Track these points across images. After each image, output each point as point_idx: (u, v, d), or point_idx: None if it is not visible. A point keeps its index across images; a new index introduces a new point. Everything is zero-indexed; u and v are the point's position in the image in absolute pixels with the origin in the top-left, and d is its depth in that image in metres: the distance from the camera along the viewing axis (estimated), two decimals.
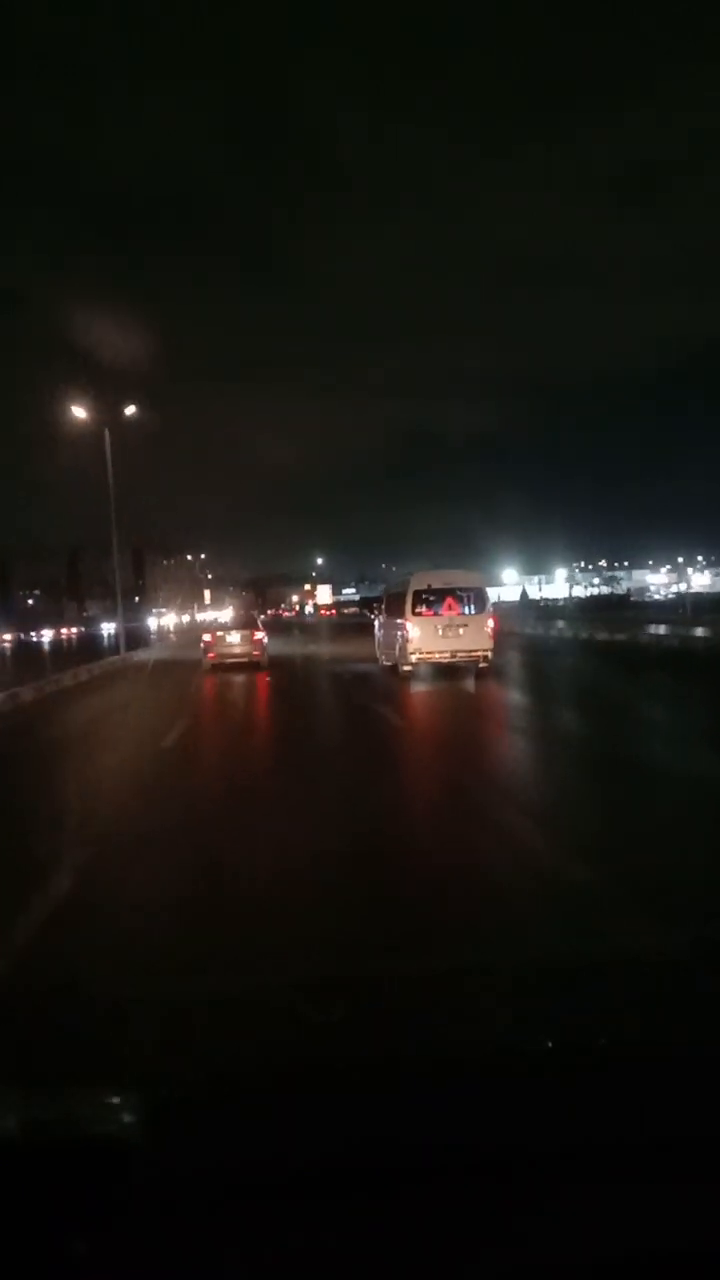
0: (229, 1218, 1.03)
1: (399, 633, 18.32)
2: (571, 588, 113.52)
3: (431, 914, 4.47)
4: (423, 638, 17.58)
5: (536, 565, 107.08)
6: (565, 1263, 1.01)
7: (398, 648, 18.41)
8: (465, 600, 17.90)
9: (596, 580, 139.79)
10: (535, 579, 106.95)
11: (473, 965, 2.36)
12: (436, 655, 17.58)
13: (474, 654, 17.49)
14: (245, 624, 24.19)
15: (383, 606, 21.63)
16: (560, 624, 37.37)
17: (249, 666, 22.65)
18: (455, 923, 4.33)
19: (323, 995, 1.77)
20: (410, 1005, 1.74)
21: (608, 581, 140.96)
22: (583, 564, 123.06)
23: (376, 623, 22.33)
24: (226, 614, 34.70)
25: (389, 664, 19.58)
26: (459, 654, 17.51)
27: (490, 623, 17.81)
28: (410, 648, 17.66)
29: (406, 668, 17.87)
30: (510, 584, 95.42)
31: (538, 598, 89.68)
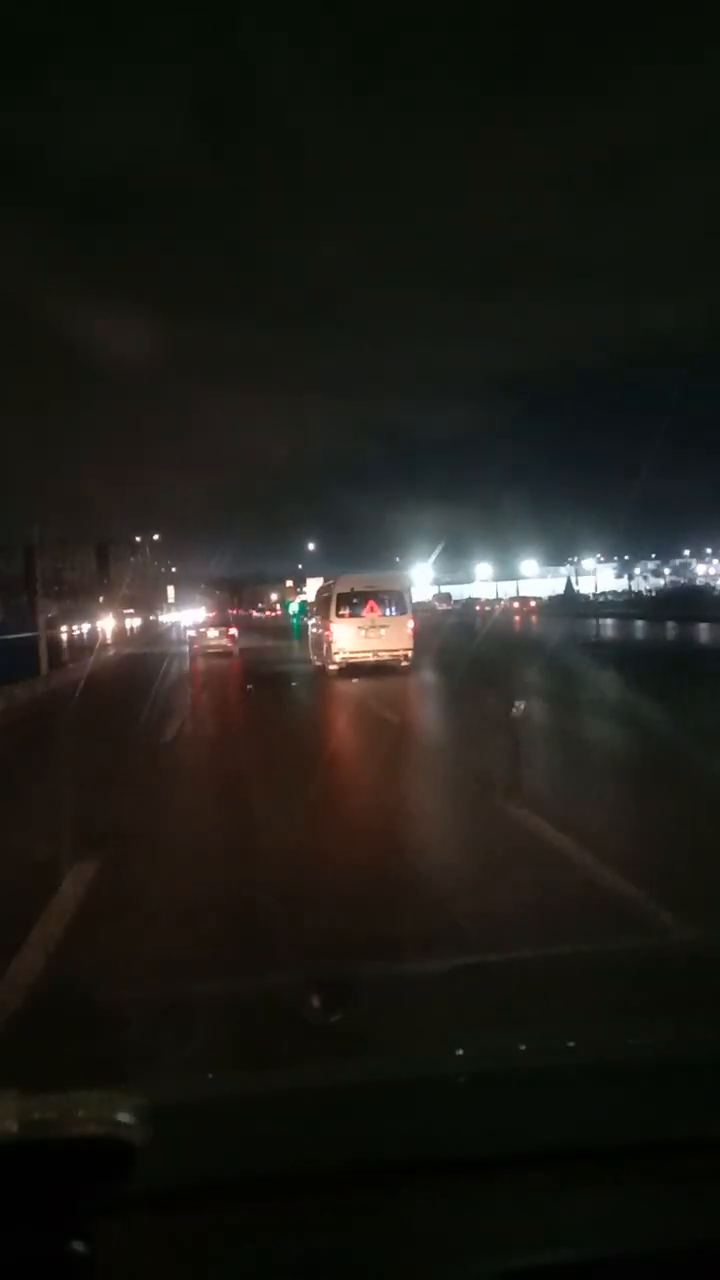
0: (229, 1218, 1.03)
1: (324, 634, 19.30)
2: (631, 579, 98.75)
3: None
4: (346, 639, 18.55)
5: (555, 559, 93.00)
6: (565, 1263, 1.01)
7: (324, 649, 19.37)
8: (386, 603, 18.90)
9: (639, 572, 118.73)
10: (567, 570, 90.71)
11: (473, 964, 2.35)
12: (359, 655, 18.55)
13: (395, 653, 18.51)
14: (221, 623, 33.28)
15: (313, 610, 22.61)
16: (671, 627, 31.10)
17: (225, 655, 29.37)
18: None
19: (323, 990, 1.77)
20: (410, 1002, 1.76)
21: (678, 571, 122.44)
22: (603, 557, 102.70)
23: (311, 624, 23.28)
24: (199, 614, 45.77)
25: (319, 664, 20.52)
26: (381, 653, 18.50)
27: (410, 623, 18.86)
28: (334, 649, 18.63)
29: (332, 667, 18.82)
30: (531, 576, 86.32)
31: (591, 591, 70.96)
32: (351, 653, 18.58)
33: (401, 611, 18.97)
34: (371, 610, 18.75)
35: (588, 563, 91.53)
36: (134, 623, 70.44)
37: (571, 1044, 1.45)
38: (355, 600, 18.83)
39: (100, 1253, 0.97)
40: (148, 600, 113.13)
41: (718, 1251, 1.02)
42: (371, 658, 18.54)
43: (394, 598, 19.15)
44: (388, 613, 18.81)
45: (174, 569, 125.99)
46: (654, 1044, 1.41)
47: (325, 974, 2.18)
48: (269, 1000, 1.82)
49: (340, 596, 18.87)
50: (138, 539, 65.43)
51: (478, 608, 59.22)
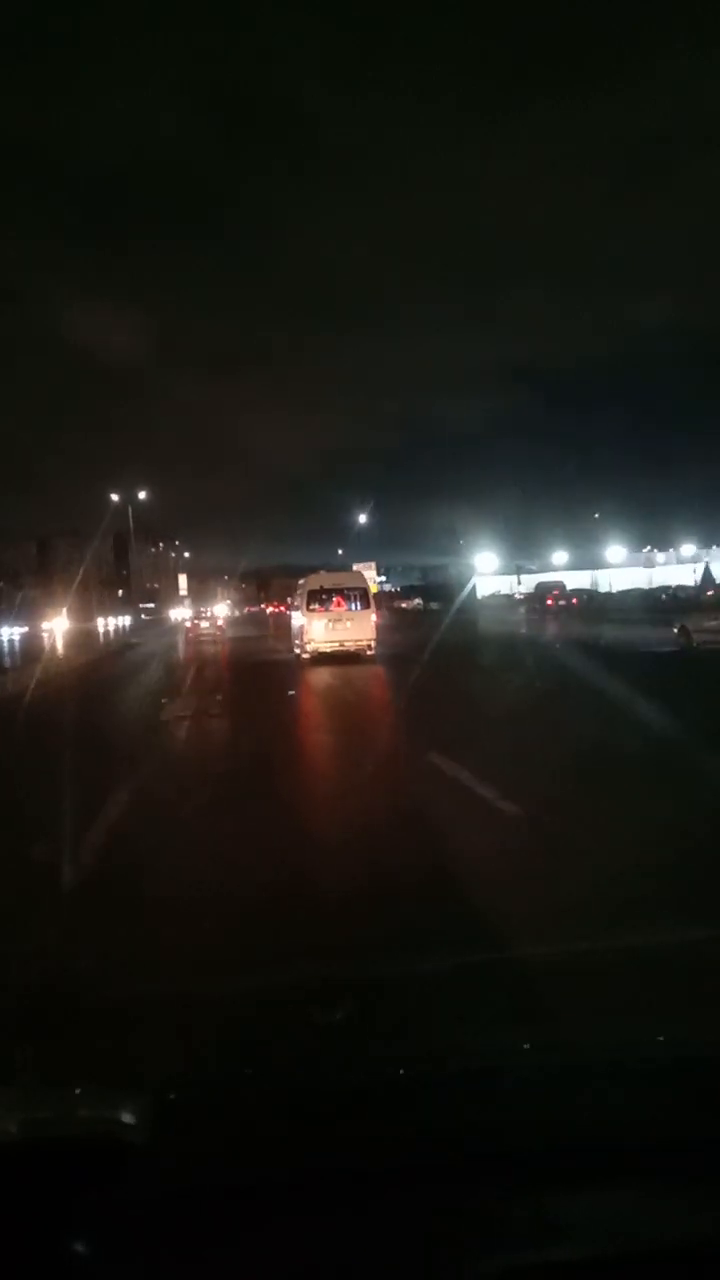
0: (229, 1218, 1.04)
1: (298, 626, 21.73)
2: None
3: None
4: (315, 631, 20.97)
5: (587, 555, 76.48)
6: (565, 1262, 1.02)
7: (298, 639, 21.80)
8: (351, 598, 21.33)
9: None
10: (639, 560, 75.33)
11: (474, 962, 2.37)
12: (327, 645, 20.96)
13: (359, 643, 20.91)
14: (210, 616, 42.03)
15: (290, 605, 25.14)
16: None
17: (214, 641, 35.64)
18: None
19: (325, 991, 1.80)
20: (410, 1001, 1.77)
21: None
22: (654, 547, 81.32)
23: (292, 617, 25.78)
24: (221, 609, 52.29)
25: (296, 652, 22.96)
26: (346, 643, 20.91)
27: (373, 617, 21.27)
28: (305, 638, 21.07)
29: (305, 656, 21.26)
30: (562, 568, 72.24)
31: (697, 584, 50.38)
32: (321, 642, 20.99)
33: (365, 606, 21.38)
34: (338, 605, 21.18)
35: (686, 548, 75.85)
36: (120, 620, 60.41)
37: (572, 1044, 1.45)
38: (324, 596, 21.26)
39: (100, 1253, 0.97)
40: (156, 592, 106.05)
41: (718, 1251, 1.02)
42: (339, 647, 20.95)
43: (358, 594, 21.57)
44: (352, 608, 21.23)
45: (186, 554, 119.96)
46: (654, 1044, 1.41)
47: (326, 974, 2.18)
48: (269, 999, 1.82)
49: (310, 593, 21.32)
50: (113, 496, 52.02)
51: (549, 600, 49.38)
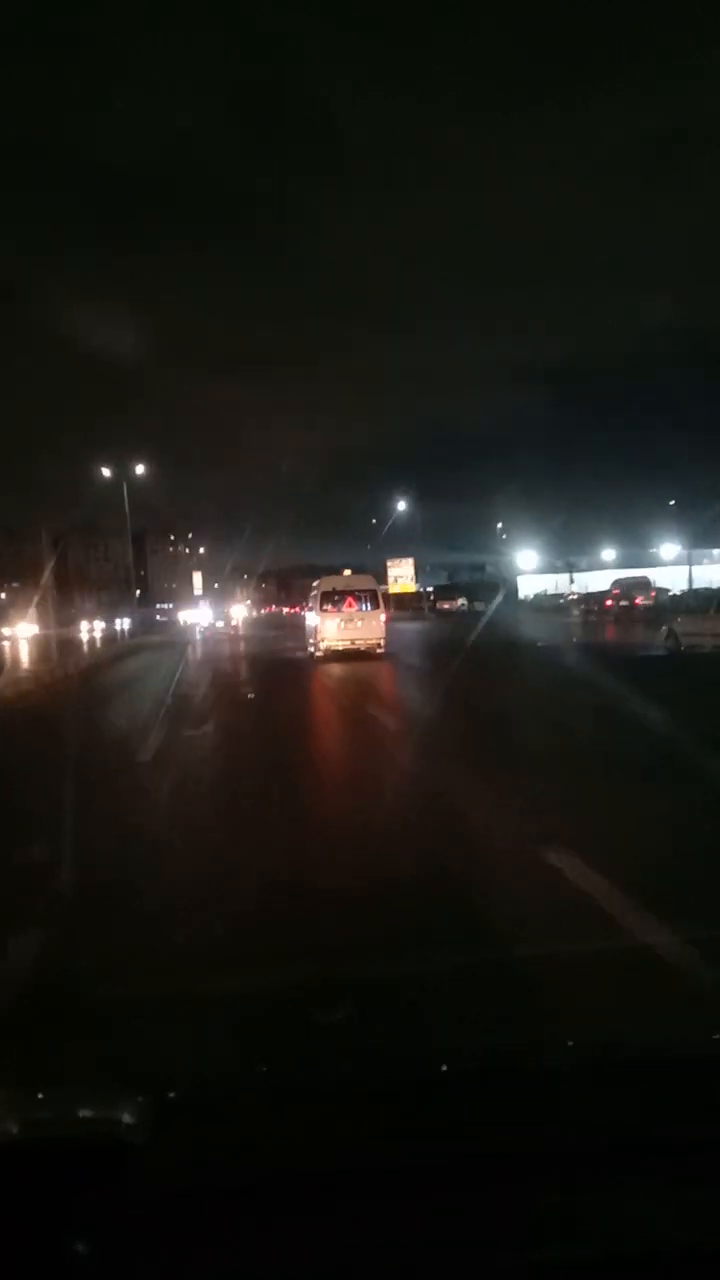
0: (229, 1217, 1.04)
1: (312, 625, 23.10)
2: None
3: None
4: (329, 630, 22.30)
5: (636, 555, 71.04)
6: (565, 1262, 1.03)
7: (312, 638, 23.16)
8: (362, 599, 22.66)
9: None
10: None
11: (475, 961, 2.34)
12: (340, 644, 22.29)
13: (369, 641, 22.22)
14: (229, 617, 48.21)
15: (305, 606, 26.54)
16: None
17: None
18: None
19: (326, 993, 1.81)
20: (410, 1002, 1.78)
21: None
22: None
23: (306, 617, 27.11)
24: (239, 608, 58.35)
25: (310, 650, 24.27)
26: (358, 641, 22.23)
27: (382, 616, 22.61)
28: (319, 637, 22.41)
29: (318, 653, 22.58)
30: (670, 562, 63.83)
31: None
32: (334, 640, 22.32)
33: (375, 607, 22.74)
34: (350, 605, 22.51)
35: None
36: (121, 623, 53.76)
37: (571, 1044, 1.45)
38: (337, 597, 22.61)
39: (100, 1253, 0.98)
40: (173, 592, 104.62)
41: (718, 1251, 1.02)
42: (350, 645, 22.27)
43: (368, 595, 22.92)
44: (363, 608, 22.56)
45: (201, 549, 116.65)
46: (653, 1044, 1.43)
47: (326, 974, 2.15)
48: (270, 999, 1.82)
49: (324, 594, 22.67)
50: (105, 471, 42.97)
51: (608, 601, 43.34)
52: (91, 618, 58.88)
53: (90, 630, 47.70)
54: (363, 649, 22.25)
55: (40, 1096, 1.23)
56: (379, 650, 22.29)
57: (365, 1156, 1.13)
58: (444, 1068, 1.35)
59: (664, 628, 21.05)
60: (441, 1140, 1.15)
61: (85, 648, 33.27)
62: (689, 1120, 1.19)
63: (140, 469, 44.05)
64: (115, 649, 34.10)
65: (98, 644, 37.92)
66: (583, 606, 45.74)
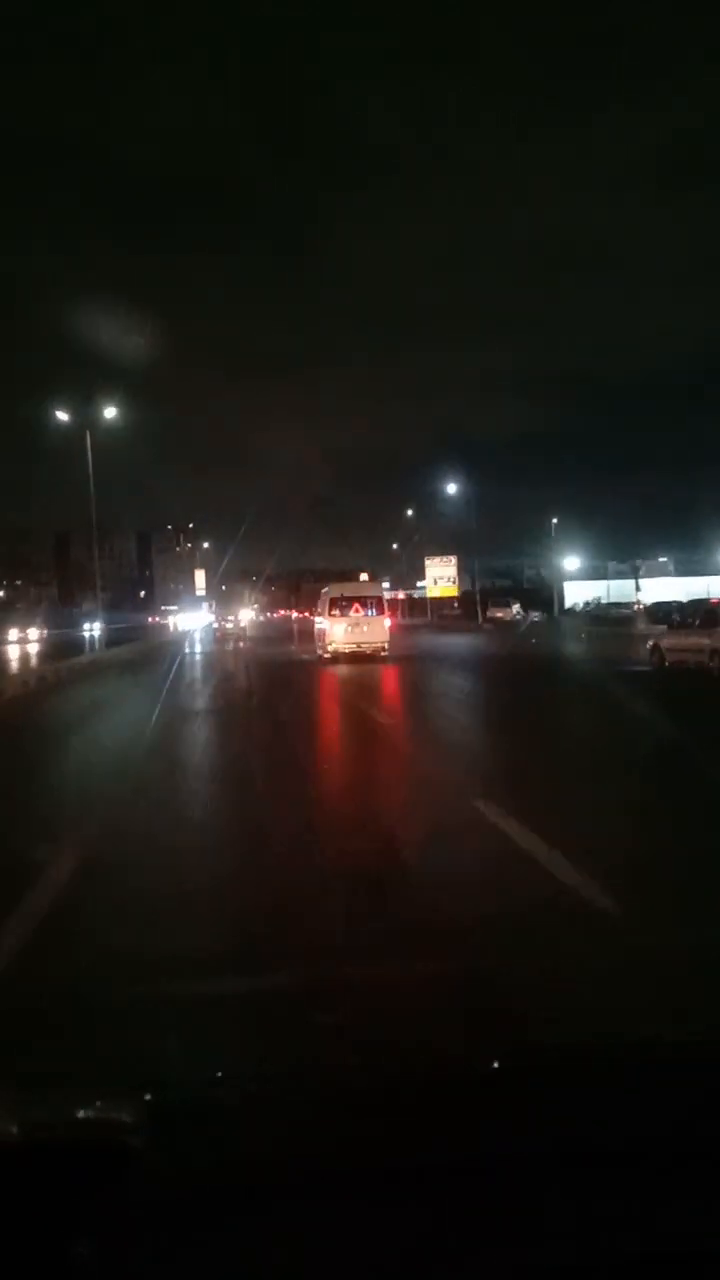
0: (229, 1218, 1.04)
1: (320, 629, 24.62)
2: None
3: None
4: (336, 634, 23.75)
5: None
6: (565, 1263, 1.02)
7: (320, 641, 24.66)
8: (368, 605, 24.16)
9: None
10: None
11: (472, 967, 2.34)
12: (347, 647, 23.74)
13: (375, 645, 23.67)
14: (238, 619, 51.56)
15: (314, 611, 28.12)
16: None
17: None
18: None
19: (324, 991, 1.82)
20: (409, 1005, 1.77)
21: None
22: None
23: (315, 621, 28.61)
24: (246, 612, 58.52)
25: (319, 653, 25.73)
26: (363, 645, 23.69)
27: (387, 621, 24.16)
28: (327, 640, 23.90)
29: (326, 655, 24.05)
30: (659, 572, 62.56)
31: None
32: (341, 644, 23.76)
33: (380, 612, 24.26)
34: (356, 610, 23.98)
35: None
36: (90, 629, 43.71)
37: (572, 1043, 1.44)
38: (344, 603, 24.09)
39: (100, 1254, 0.97)
40: (177, 593, 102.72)
41: (718, 1251, 1.02)
42: (356, 648, 23.71)
43: (374, 601, 24.48)
44: (369, 614, 24.03)
45: (206, 544, 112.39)
46: (653, 1044, 1.41)
47: (326, 974, 2.16)
48: (270, 999, 1.83)
49: (332, 600, 24.20)
50: (60, 415, 30.69)
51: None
52: (47, 623, 53.65)
53: (23, 639, 36.87)
54: (368, 652, 23.66)
55: (40, 1097, 1.24)
56: (383, 653, 23.71)
57: (365, 1157, 1.13)
58: (444, 1068, 1.35)
59: None
60: (442, 1140, 1.15)
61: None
62: (693, 1121, 1.19)
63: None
64: (52, 673, 22.75)
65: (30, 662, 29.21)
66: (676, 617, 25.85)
